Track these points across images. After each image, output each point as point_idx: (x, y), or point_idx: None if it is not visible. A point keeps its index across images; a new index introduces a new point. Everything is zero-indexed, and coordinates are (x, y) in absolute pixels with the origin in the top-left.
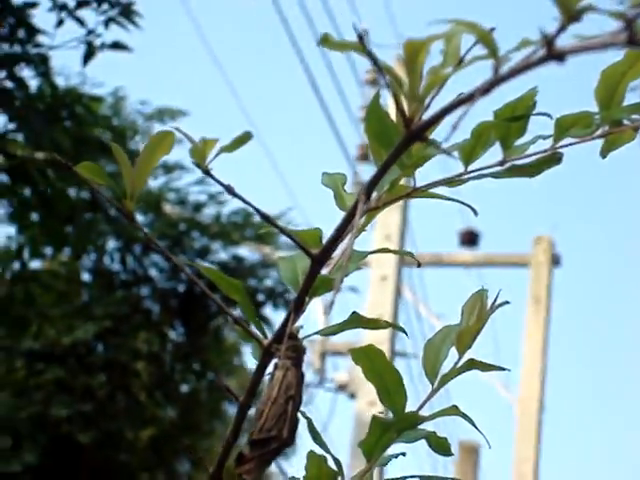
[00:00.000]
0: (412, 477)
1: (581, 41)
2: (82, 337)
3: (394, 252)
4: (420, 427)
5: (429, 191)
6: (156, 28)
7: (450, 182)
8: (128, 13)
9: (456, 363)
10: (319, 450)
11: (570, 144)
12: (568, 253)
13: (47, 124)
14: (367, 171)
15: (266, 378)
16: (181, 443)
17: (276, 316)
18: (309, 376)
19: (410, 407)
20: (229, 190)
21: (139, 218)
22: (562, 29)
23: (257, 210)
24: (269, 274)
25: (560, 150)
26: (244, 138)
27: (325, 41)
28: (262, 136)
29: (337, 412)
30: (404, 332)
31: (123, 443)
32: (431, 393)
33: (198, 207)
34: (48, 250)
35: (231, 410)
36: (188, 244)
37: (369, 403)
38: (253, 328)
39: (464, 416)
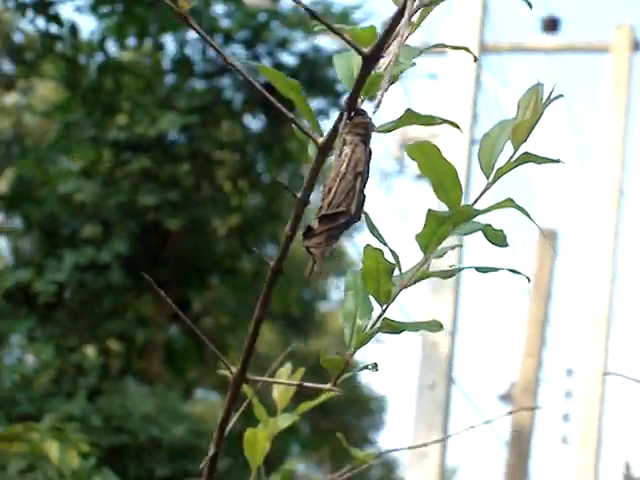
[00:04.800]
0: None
1: None
2: (166, 128)
3: (450, 47)
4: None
5: None
6: None
7: None
8: None
9: (511, 157)
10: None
11: None
12: None
13: None
14: None
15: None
16: (264, 230)
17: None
18: (390, 165)
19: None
20: None
21: (219, 9)
22: None
23: (307, 9)
24: None
25: None
26: None
27: None
28: None
29: (417, 200)
30: (457, 127)
31: (209, 230)
32: (486, 186)
33: None
34: (131, 42)
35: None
36: (268, 35)
37: None
38: (309, 129)
39: (519, 208)
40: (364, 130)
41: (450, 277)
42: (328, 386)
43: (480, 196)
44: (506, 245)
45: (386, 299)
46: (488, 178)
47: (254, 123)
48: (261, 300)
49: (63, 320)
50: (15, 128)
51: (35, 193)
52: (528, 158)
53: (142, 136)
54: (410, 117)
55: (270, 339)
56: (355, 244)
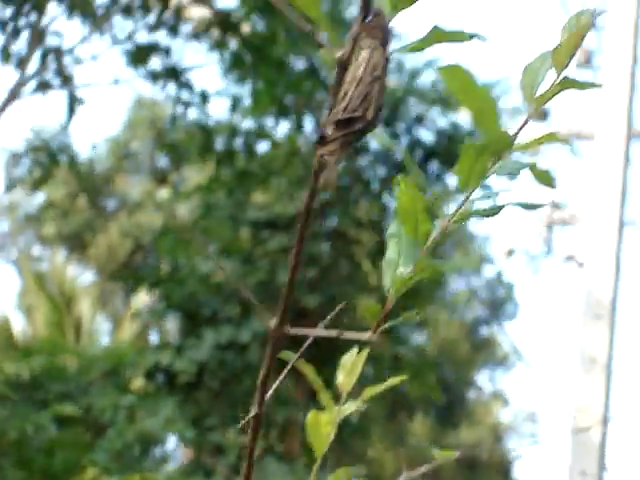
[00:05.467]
0: None
1: None
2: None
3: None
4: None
5: None
6: None
7: None
8: None
9: (553, 83)
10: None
11: None
12: None
13: None
14: None
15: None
16: (404, 310)
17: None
18: (538, 247)
19: None
20: None
21: None
22: None
23: None
24: None
25: None
26: None
27: None
28: None
29: (566, 282)
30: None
31: (348, 308)
32: (528, 117)
33: (414, 74)
34: (270, 122)
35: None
36: (405, 111)
37: (597, 270)
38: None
39: (562, 141)
40: (382, 33)
41: (493, 215)
42: (368, 335)
43: (522, 127)
44: (554, 186)
45: (425, 240)
46: (530, 110)
47: (392, 202)
48: (296, 243)
49: (203, 400)
50: (167, 221)
51: (176, 274)
52: (568, 84)
53: (280, 215)
54: (437, 35)
55: (420, 431)
56: (506, 334)
